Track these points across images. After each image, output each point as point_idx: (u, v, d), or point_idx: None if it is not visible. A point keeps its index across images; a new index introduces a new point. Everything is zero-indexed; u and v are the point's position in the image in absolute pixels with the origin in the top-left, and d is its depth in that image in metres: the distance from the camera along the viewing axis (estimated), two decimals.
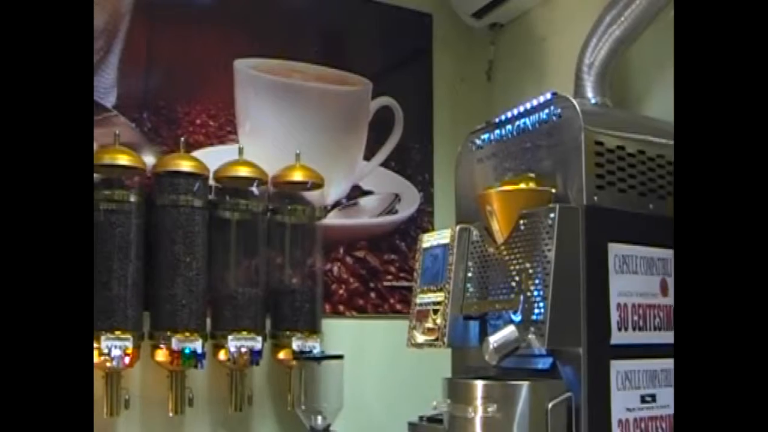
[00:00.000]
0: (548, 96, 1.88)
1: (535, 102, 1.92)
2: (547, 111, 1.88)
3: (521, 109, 1.97)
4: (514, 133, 1.98)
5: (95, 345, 2.16)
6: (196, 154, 2.48)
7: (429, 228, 2.85)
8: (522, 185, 1.86)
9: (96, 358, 2.17)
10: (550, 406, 1.64)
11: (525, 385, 1.66)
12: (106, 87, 2.43)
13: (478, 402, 1.68)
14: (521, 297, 1.72)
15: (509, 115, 2.01)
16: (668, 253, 1.78)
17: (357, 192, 2.83)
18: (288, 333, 2.46)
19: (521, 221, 1.77)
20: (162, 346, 2.26)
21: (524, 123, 1.95)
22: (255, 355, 2.36)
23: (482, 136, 2.09)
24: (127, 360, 2.17)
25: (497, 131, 2.04)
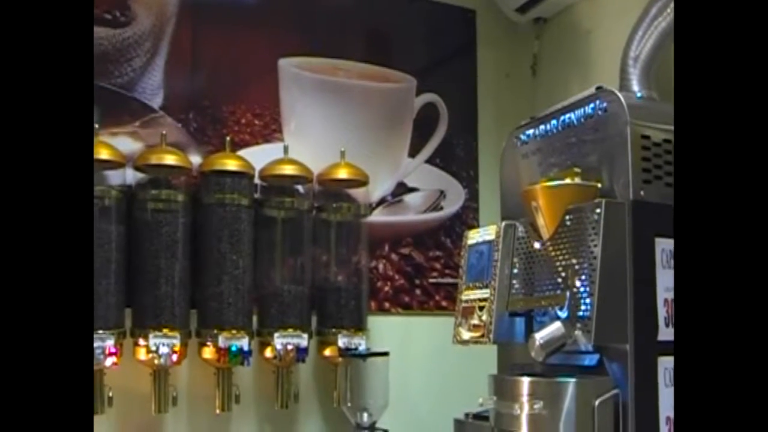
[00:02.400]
0: (593, 90, 1.87)
1: (580, 96, 1.90)
2: (592, 105, 1.86)
3: (566, 103, 1.95)
4: (559, 128, 1.97)
5: (143, 342, 2.19)
6: (241, 153, 2.49)
7: (474, 224, 2.83)
8: (567, 180, 1.84)
9: (144, 356, 2.20)
10: (596, 403, 1.62)
11: (571, 382, 1.64)
12: (152, 88, 2.46)
13: (524, 399, 1.67)
14: (567, 293, 1.70)
15: (554, 109, 1.99)
16: None
17: (402, 189, 2.83)
18: (334, 330, 2.47)
19: (567, 217, 1.76)
20: (209, 343, 2.28)
21: (569, 118, 1.93)
22: (301, 353, 2.36)
23: (527, 132, 2.08)
24: (174, 357, 2.20)
25: (542, 126, 2.03)
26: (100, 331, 2.13)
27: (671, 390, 1.67)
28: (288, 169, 2.45)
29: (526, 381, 1.69)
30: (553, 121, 1.98)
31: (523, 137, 2.09)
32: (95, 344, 2.10)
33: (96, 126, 2.26)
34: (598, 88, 1.85)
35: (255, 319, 2.42)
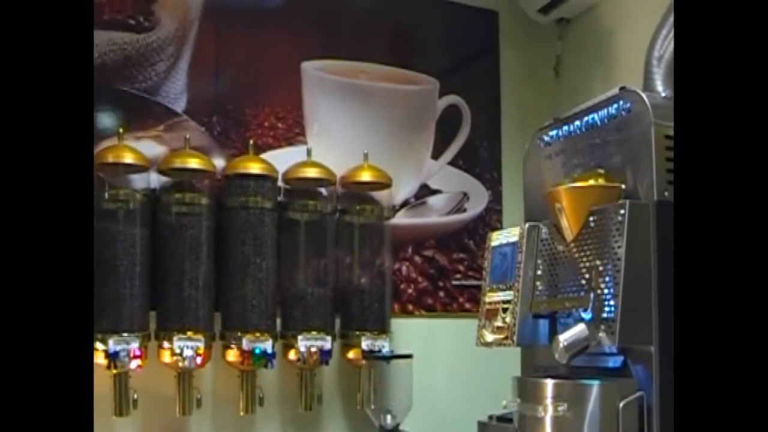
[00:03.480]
0: (617, 90, 1.85)
1: (603, 97, 1.89)
2: (615, 105, 1.84)
3: (589, 104, 1.94)
4: (583, 128, 1.95)
5: (168, 345, 2.20)
6: (265, 156, 2.50)
7: (497, 226, 2.83)
8: (591, 182, 1.83)
9: (168, 358, 2.21)
10: (621, 405, 1.61)
11: (595, 384, 1.63)
12: (176, 92, 2.48)
13: (548, 401, 1.66)
14: (591, 295, 1.69)
15: (577, 110, 1.98)
16: None
17: (425, 191, 2.83)
18: (357, 332, 2.47)
19: (591, 218, 1.74)
20: (233, 346, 2.30)
21: (593, 118, 1.92)
22: (325, 355, 2.37)
23: (550, 133, 2.07)
24: (198, 360, 2.21)
25: (565, 127, 2.01)
26: (125, 334, 2.15)
27: None
28: (311, 172, 2.46)
29: (550, 383, 1.68)
30: (577, 122, 1.97)
31: (546, 138, 2.08)
32: (120, 347, 2.12)
33: (120, 130, 2.28)
34: (622, 89, 1.84)
35: (279, 321, 2.42)
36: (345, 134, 2.71)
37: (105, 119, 2.38)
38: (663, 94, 2.04)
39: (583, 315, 1.71)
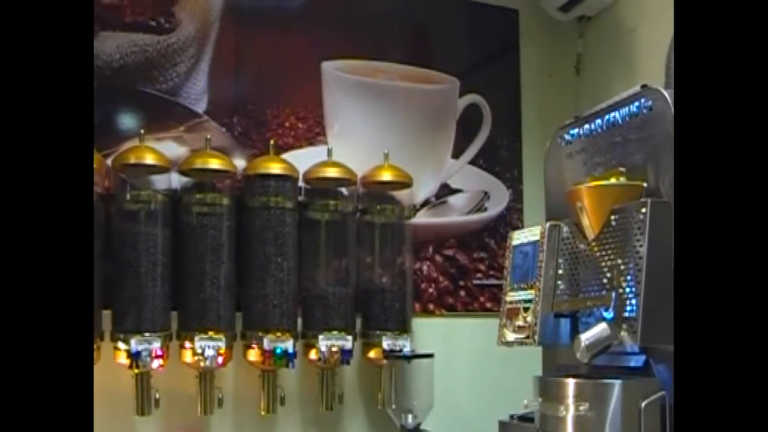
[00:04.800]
0: (638, 88, 1.84)
1: (624, 95, 1.88)
2: (637, 104, 1.83)
3: (611, 102, 1.93)
4: (604, 127, 1.94)
5: (189, 345, 2.21)
6: (285, 156, 2.51)
7: (518, 225, 2.82)
8: (612, 180, 1.82)
9: (190, 358, 2.22)
10: (643, 405, 1.60)
11: (617, 383, 1.62)
12: (197, 93, 2.49)
13: (570, 401, 1.65)
14: (613, 294, 1.68)
15: (598, 108, 1.97)
16: None
17: (446, 190, 2.82)
18: (378, 332, 2.47)
19: (612, 217, 1.73)
20: (254, 346, 2.30)
21: (614, 116, 1.91)
22: (345, 355, 2.37)
23: (571, 131, 2.06)
24: (220, 360, 2.21)
25: (586, 126, 2.00)
26: (147, 334, 2.16)
27: None
28: (332, 172, 2.46)
29: (571, 382, 1.68)
30: (598, 121, 1.96)
31: (567, 137, 2.07)
32: (142, 347, 2.13)
33: (141, 131, 2.29)
34: (643, 87, 1.83)
35: (300, 321, 2.43)
36: (365, 134, 2.71)
37: (126, 120, 2.39)
38: None
39: (605, 314, 1.70)
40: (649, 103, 1.79)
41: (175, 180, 2.34)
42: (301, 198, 2.45)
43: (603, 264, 1.74)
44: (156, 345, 2.16)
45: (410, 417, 2.38)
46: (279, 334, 2.29)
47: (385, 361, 2.45)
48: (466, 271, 2.81)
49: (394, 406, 2.41)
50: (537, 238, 1.92)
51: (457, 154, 2.84)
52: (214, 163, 2.31)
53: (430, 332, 2.66)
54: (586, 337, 1.67)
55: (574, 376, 1.72)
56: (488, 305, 2.78)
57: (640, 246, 1.64)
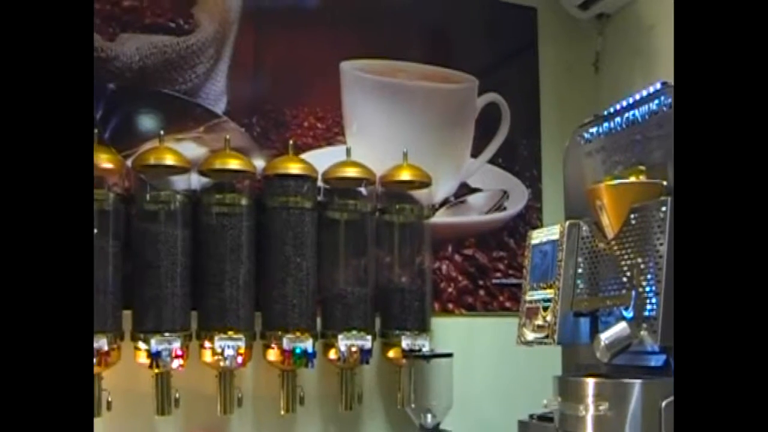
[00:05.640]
0: (658, 86, 1.83)
1: (644, 92, 1.87)
2: (656, 101, 1.82)
3: (630, 100, 1.92)
4: (623, 125, 1.93)
5: (209, 345, 2.22)
6: (304, 156, 2.51)
7: (538, 224, 2.81)
8: (632, 178, 1.81)
9: (210, 358, 2.23)
10: (663, 404, 1.59)
11: (637, 383, 1.61)
12: (216, 94, 2.50)
13: (590, 400, 1.64)
14: (633, 293, 1.67)
15: (618, 107, 1.96)
16: None
17: (465, 190, 2.82)
18: (397, 332, 2.47)
19: (632, 215, 1.73)
20: (273, 345, 2.31)
21: (633, 114, 1.90)
22: (365, 354, 2.37)
23: (590, 130, 2.05)
24: (239, 359, 2.22)
25: (606, 124, 2.00)
26: (167, 334, 2.17)
27: None
28: (351, 172, 2.47)
29: (591, 382, 1.67)
30: (617, 119, 1.95)
31: (586, 135, 2.06)
32: (162, 347, 2.14)
33: (161, 132, 2.31)
34: (663, 84, 1.82)
35: (319, 321, 2.43)
36: (384, 133, 2.71)
37: (146, 121, 2.41)
38: None
39: (625, 313, 1.69)
40: (669, 100, 1.78)
41: (195, 180, 2.35)
42: (320, 198, 2.45)
43: (623, 263, 1.73)
44: (176, 345, 2.17)
45: (429, 416, 2.37)
46: (298, 333, 2.30)
47: (404, 361, 2.45)
48: (485, 271, 2.80)
49: (413, 406, 2.41)
50: (556, 237, 1.91)
51: (476, 153, 2.84)
52: (234, 164, 2.32)
53: (450, 332, 2.66)
54: (606, 336, 1.66)
55: (593, 376, 1.71)
56: (507, 304, 2.78)
57: (660, 245, 1.63)
